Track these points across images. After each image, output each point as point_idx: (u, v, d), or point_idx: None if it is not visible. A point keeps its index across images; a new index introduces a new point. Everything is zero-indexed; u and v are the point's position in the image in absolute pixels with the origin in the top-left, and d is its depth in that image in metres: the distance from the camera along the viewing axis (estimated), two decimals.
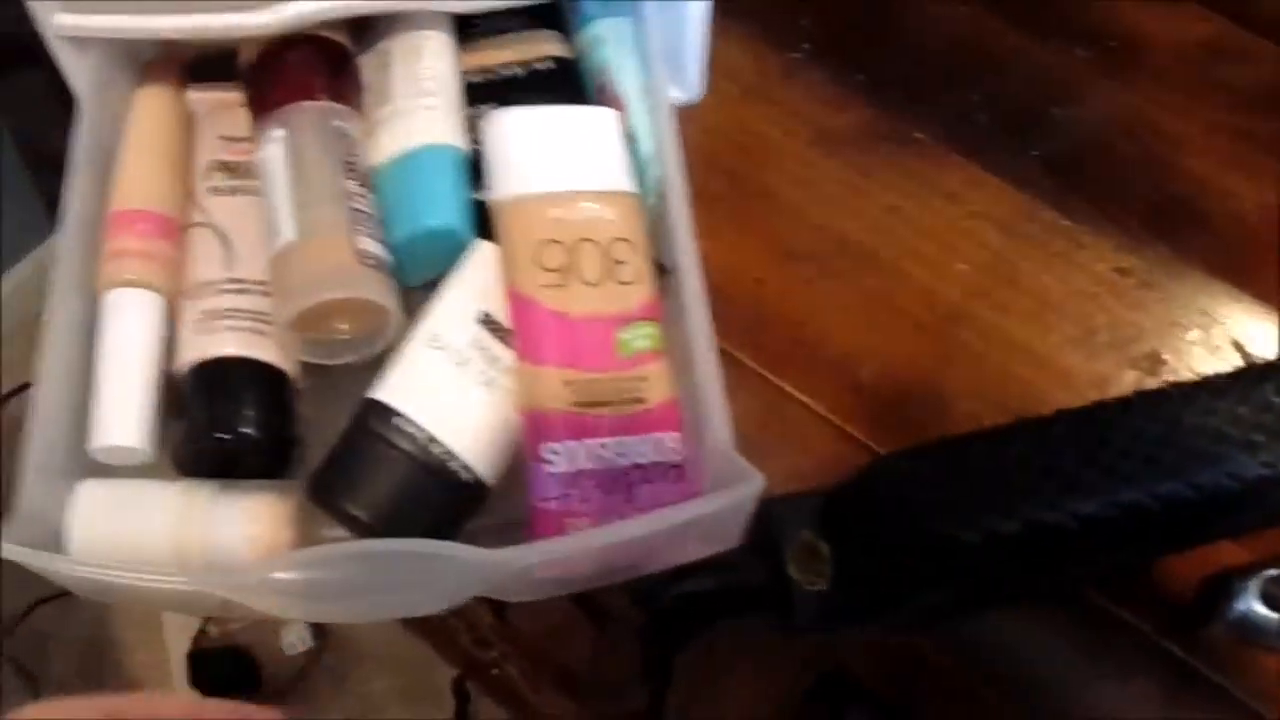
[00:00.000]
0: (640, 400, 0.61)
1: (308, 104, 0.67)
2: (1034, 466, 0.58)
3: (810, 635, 0.64)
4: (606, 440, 0.60)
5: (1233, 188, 0.78)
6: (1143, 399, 0.59)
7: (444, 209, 0.67)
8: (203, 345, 0.65)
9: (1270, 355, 0.73)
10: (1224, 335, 0.73)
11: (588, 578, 0.62)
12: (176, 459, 0.65)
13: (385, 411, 0.62)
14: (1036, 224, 0.77)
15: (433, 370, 0.62)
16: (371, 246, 0.63)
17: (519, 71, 0.73)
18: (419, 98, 0.69)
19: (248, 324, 0.65)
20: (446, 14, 0.72)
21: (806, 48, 0.83)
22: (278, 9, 0.67)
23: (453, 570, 0.56)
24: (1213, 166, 0.79)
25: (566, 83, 0.73)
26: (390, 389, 0.62)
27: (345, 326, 0.64)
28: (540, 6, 0.72)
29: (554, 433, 0.60)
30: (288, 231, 0.63)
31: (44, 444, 0.61)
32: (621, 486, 0.60)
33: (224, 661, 1.94)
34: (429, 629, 1.76)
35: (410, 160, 0.68)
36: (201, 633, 1.94)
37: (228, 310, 0.66)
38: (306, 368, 0.67)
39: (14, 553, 0.58)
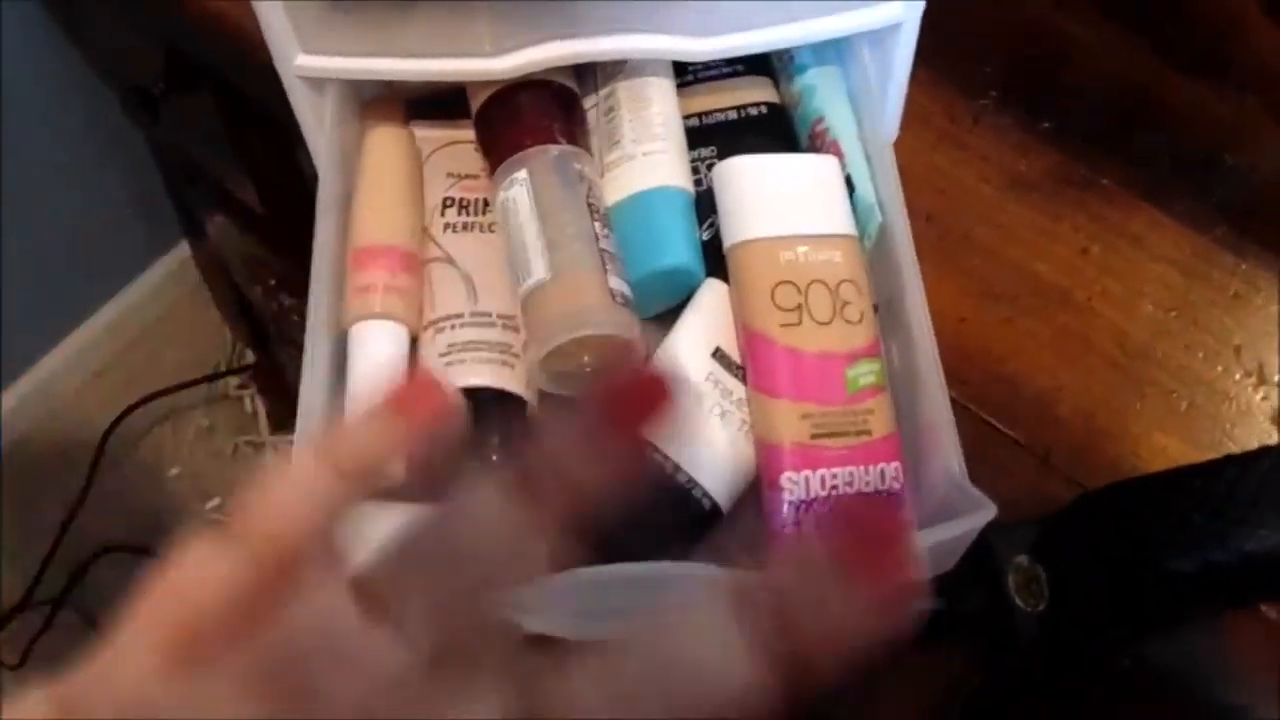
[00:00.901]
0: (866, 432, 0.65)
1: (548, 147, 0.71)
2: (1241, 499, 0.61)
3: (1028, 657, 0.67)
4: (837, 470, 0.64)
5: None
6: None
7: (677, 248, 0.71)
8: (451, 376, 0.69)
9: None
10: None
11: None
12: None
13: None
14: (1215, 267, 0.80)
15: None
16: (620, 285, 0.67)
17: (733, 116, 0.77)
18: (648, 142, 0.73)
19: (492, 356, 0.69)
20: (668, 59, 0.76)
21: (994, 94, 0.86)
22: (511, 55, 0.70)
23: None
24: None
25: (778, 128, 0.77)
26: None
27: (589, 359, 0.68)
28: (752, 54, 0.76)
29: (791, 463, 0.64)
30: (539, 271, 0.67)
31: None
32: None
33: None
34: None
35: (642, 201, 0.72)
36: None
37: (473, 342, 0.70)
38: (541, 395, 0.71)
39: None
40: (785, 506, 0.63)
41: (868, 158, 0.72)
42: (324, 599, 0.34)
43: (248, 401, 2.28)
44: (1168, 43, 0.89)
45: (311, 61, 0.73)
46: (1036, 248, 0.80)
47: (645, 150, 0.73)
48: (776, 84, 0.80)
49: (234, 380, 2.29)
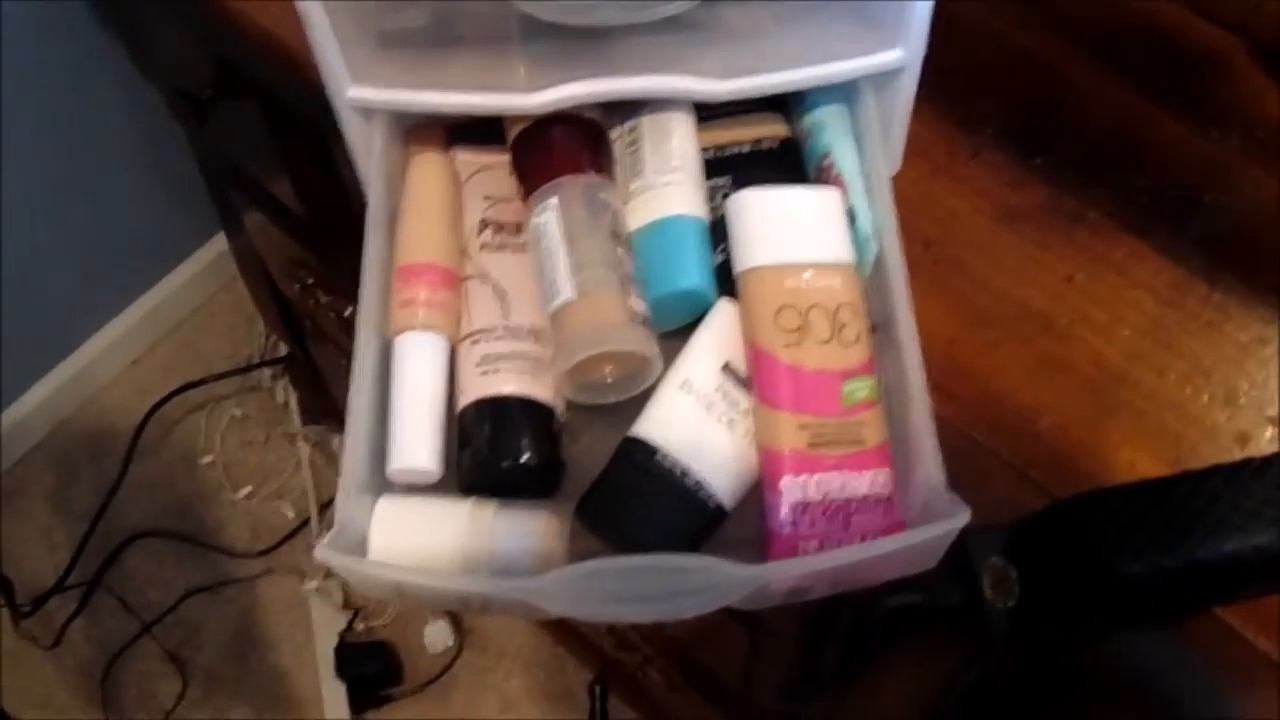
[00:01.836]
0: (859, 442, 0.72)
1: (577, 177, 0.78)
2: (1192, 510, 0.68)
3: (998, 646, 0.74)
4: (831, 475, 0.71)
5: None
6: None
7: (693, 272, 0.77)
8: (486, 384, 0.76)
9: None
10: None
11: (810, 590, 0.72)
12: (461, 480, 0.76)
13: (646, 447, 0.73)
14: (1190, 296, 0.86)
15: (684, 411, 0.74)
16: (638, 305, 0.74)
17: (747, 149, 0.84)
18: (668, 173, 0.80)
19: (523, 366, 0.76)
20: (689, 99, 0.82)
21: (990, 131, 0.92)
22: (546, 92, 0.77)
23: (715, 582, 0.66)
24: None
25: (789, 161, 0.84)
26: (649, 427, 0.74)
27: (610, 371, 0.75)
28: None
29: (790, 468, 0.71)
30: (566, 291, 0.74)
31: (353, 467, 0.73)
32: (841, 515, 0.71)
33: (369, 656, 2.03)
34: (569, 633, 1.86)
35: (661, 228, 0.79)
36: (348, 628, 2.02)
37: (506, 354, 0.77)
38: (568, 403, 0.78)
39: (330, 558, 0.68)
40: (784, 507, 0.70)
41: (868, 192, 0.79)
42: None
43: (280, 392, 2.34)
44: (1156, 85, 0.95)
45: (362, 93, 0.80)
46: (1024, 275, 0.86)
47: (665, 180, 0.80)
48: (789, 119, 0.86)
49: (267, 372, 2.36)
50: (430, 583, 0.71)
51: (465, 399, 0.76)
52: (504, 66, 0.78)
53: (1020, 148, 0.92)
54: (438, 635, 2.06)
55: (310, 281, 1.64)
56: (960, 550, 0.72)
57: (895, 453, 0.73)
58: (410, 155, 0.84)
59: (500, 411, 0.75)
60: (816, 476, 0.71)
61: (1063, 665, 0.87)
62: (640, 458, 0.73)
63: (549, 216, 0.76)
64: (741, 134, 0.84)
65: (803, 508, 0.70)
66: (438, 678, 2.06)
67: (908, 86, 0.80)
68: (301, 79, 0.93)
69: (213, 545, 2.21)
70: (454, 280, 0.79)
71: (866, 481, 0.72)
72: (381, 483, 0.75)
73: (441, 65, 0.79)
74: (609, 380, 0.75)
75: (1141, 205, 0.89)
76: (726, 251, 0.77)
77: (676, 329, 0.79)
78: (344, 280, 1.56)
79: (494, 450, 0.75)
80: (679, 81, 0.77)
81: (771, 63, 0.77)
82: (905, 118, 0.83)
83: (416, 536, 0.73)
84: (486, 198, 0.83)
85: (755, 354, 0.73)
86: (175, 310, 2.40)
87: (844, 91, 0.83)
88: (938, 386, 0.71)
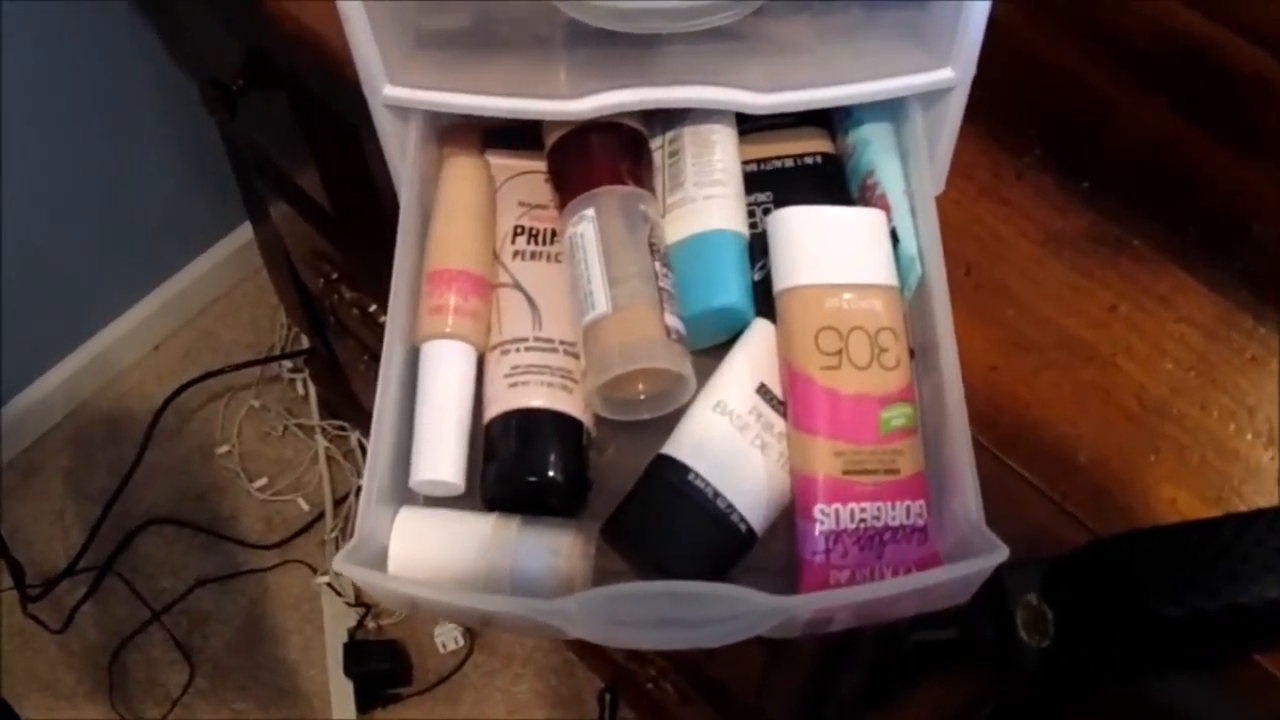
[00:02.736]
0: (895, 471, 0.70)
1: (615, 188, 0.76)
2: (1236, 554, 0.66)
3: (1029, 684, 0.72)
4: (866, 505, 0.69)
5: None
6: None
7: (731, 289, 0.76)
8: (514, 396, 0.74)
9: None
10: None
11: (841, 621, 0.71)
12: (485, 494, 0.74)
13: (677, 467, 0.71)
14: (1235, 330, 0.84)
15: (717, 433, 0.72)
16: (675, 321, 0.72)
17: (789, 164, 0.82)
18: (709, 186, 0.78)
19: (553, 380, 0.75)
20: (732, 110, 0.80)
21: (1036, 153, 0.91)
22: (587, 99, 0.75)
23: (744, 612, 0.64)
24: None
25: (832, 177, 0.82)
26: (681, 447, 0.72)
27: (643, 388, 0.73)
28: None
29: (824, 496, 0.69)
30: (601, 304, 0.72)
31: (376, 477, 0.71)
32: (874, 545, 0.69)
33: (378, 654, 2.02)
34: (581, 641, 1.84)
35: (700, 243, 0.77)
36: (359, 625, 2.01)
37: (535, 366, 0.75)
38: (597, 420, 0.76)
39: (349, 570, 0.67)
40: (816, 536, 0.68)
41: (913, 212, 0.77)
42: None
43: (299, 385, 2.34)
44: (1204, 112, 0.93)
45: (398, 92, 0.78)
46: (1067, 303, 0.84)
47: (706, 194, 0.78)
48: (832, 135, 0.84)
49: (288, 363, 2.35)
50: (449, 600, 0.69)
51: (492, 410, 0.75)
52: (544, 71, 0.76)
53: (1065, 172, 0.90)
54: (448, 635, 2.05)
55: (334, 276, 1.63)
56: (994, 585, 0.71)
57: (930, 483, 0.72)
58: (445, 157, 0.83)
59: (528, 425, 0.74)
60: (850, 505, 0.69)
61: (1090, 699, 0.85)
62: (672, 477, 0.71)
63: (586, 227, 0.75)
64: (784, 148, 0.83)
65: (835, 536, 0.68)
66: (446, 679, 2.05)
67: (956, 106, 0.78)
68: (338, 76, 0.92)
69: (226, 535, 2.20)
70: (485, 288, 0.78)
71: (901, 512, 0.70)
72: (404, 493, 0.74)
73: (480, 67, 0.77)
74: (641, 397, 0.74)
75: (1187, 234, 0.87)
76: (765, 268, 0.75)
77: (712, 348, 0.77)
78: (367, 276, 1.56)
79: (520, 464, 0.73)
80: (724, 93, 0.75)
81: (819, 77, 0.76)
82: (952, 138, 0.81)
83: (437, 550, 0.71)
84: (521, 204, 0.82)
85: (792, 376, 0.71)
86: (198, 298, 2.40)
87: (890, 109, 0.81)
88: (976, 414, 0.70)
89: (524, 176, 0.83)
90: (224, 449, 2.30)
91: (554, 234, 0.80)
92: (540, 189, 0.82)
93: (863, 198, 0.79)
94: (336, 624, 2.07)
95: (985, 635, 0.73)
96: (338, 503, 2.22)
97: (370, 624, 2.09)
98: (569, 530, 0.71)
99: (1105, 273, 0.86)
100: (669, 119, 0.82)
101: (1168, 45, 0.96)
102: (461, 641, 2.05)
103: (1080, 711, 0.88)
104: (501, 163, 0.84)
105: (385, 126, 0.82)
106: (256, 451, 2.30)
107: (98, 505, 2.16)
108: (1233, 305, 0.85)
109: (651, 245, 0.74)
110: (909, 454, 0.71)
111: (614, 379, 0.71)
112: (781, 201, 0.76)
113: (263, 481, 2.26)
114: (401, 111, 0.80)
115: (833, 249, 0.73)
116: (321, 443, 2.27)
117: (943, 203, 0.78)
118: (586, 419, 0.75)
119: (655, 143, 0.82)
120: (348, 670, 2.00)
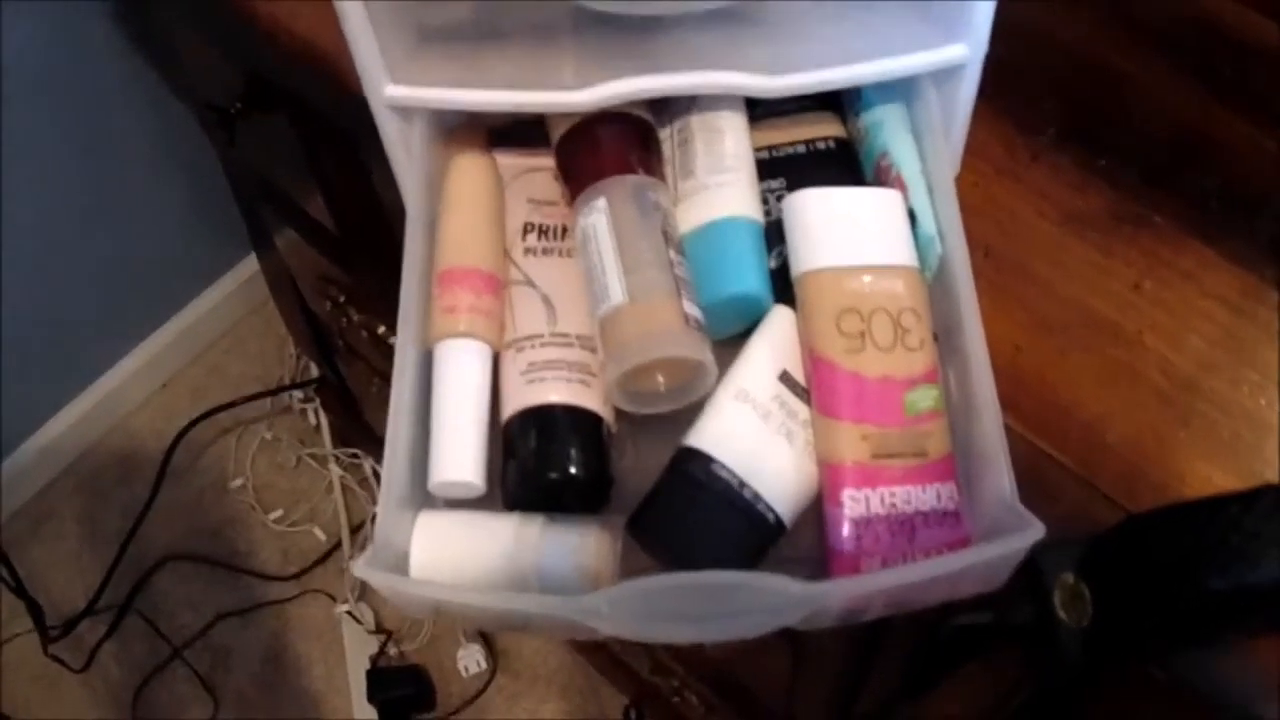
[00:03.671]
0: (923, 454, 0.69)
1: (626, 177, 0.75)
2: (1276, 524, 0.64)
3: (1070, 668, 0.70)
4: (895, 489, 0.68)
5: None
6: None
7: (747, 276, 0.74)
8: (531, 393, 0.73)
9: None
10: None
11: (874, 609, 0.69)
12: (505, 494, 0.72)
13: (701, 458, 0.69)
14: (1262, 305, 0.82)
15: (741, 421, 0.70)
16: (693, 309, 0.71)
17: (801, 150, 0.81)
18: (720, 173, 0.77)
19: (571, 375, 0.73)
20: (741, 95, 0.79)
21: (1052, 131, 0.89)
22: (593, 89, 0.73)
23: (777, 602, 0.63)
24: None
25: (845, 162, 0.80)
26: (704, 438, 0.70)
27: (663, 380, 0.72)
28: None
29: (852, 481, 0.67)
30: (617, 295, 0.70)
31: (393, 480, 0.69)
32: (905, 530, 0.67)
33: (401, 680, 2.01)
34: (603, 658, 1.83)
35: (713, 230, 0.76)
36: (380, 651, 2.00)
37: (552, 362, 0.73)
38: (616, 413, 0.75)
39: (370, 576, 0.65)
40: (846, 523, 0.67)
41: (930, 192, 0.75)
42: None
43: (311, 415, 2.32)
44: (1222, 84, 0.92)
45: (400, 91, 0.77)
46: (1090, 282, 0.83)
47: (718, 181, 0.77)
48: (844, 119, 0.83)
49: (298, 394, 2.34)
50: (475, 601, 0.67)
51: (510, 409, 0.73)
52: (550, 63, 0.75)
53: (1083, 149, 0.88)
54: (471, 658, 2.03)
55: (341, 299, 1.62)
56: (1030, 567, 0.69)
57: (960, 465, 0.70)
58: (451, 157, 0.81)
59: (547, 422, 0.72)
60: (879, 490, 0.67)
61: (1125, 681, 0.83)
62: (696, 468, 0.69)
63: (597, 218, 0.73)
64: (795, 134, 0.81)
65: (865, 523, 0.67)
66: (471, 702, 2.03)
67: (970, 84, 0.77)
68: (336, 85, 0.91)
69: (244, 568, 2.19)
70: (498, 285, 0.76)
71: (931, 495, 0.68)
72: (423, 497, 0.72)
73: (484, 62, 0.76)
74: (661, 389, 0.72)
75: (1209, 209, 0.86)
76: (782, 255, 0.74)
77: (732, 336, 0.75)
78: (376, 297, 1.55)
79: (540, 462, 0.71)
80: (732, 77, 0.74)
81: (828, 58, 0.74)
82: (966, 117, 0.80)
83: (459, 553, 0.70)
84: (530, 200, 0.80)
85: (814, 361, 0.70)
86: (204, 334, 2.39)
87: (901, 89, 0.79)
88: (1003, 396, 0.68)
89: (532, 174, 0.82)
90: (238, 483, 2.29)
91: (565, 230, 0.78)
92: (549, 185, 0.81)
93: (877, 180, 0.78)
94: (358, 651, 2.06)
95: (1023, 617, 0.71)
96: (354, 530, 2.21)
97: (392, 650, 2.07)
98: (594, 527, 0.70)
99: (1127, 250, 0.84)
100: (677, 107, 0.81)
101: (1183, 17, 0.95)
102: (484, 664, 2.03)
103: (1114, 694, 0.87)
104: (508, 161, 0.83)
105: (389, 129, 0.80)
106: (270, 484, 2.29)
107: (114, 545, 2.16)
108: (1259, 280, 0.83)
109: (665, 233, 0.73)
110: (937, 436, 0.69)
111: (633, 370, 0.69)
112: (795, 188, 0.74)
113: (278, 513, 2.25)
114: (405, 113, 0.79)
115: (850, 231, 0.72)
116: (335, 471, 2.25)
117: (958, 185, 0.77)
118: (606, 413, 0.73)
119: (664, 133, 0.81)
120: (371, 697, 1.99)
